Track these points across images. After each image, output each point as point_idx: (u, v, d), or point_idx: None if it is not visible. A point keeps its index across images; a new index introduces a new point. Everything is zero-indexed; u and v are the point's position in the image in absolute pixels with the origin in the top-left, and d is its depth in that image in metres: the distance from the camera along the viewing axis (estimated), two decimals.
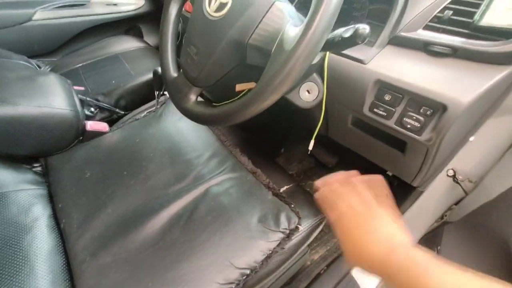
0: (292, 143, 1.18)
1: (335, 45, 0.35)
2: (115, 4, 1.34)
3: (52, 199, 0.61)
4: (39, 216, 0.57)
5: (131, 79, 1.09)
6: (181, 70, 0.53)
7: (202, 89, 0.49)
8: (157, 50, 1.26)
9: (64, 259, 0.52)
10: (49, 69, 1.19)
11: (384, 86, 0.47)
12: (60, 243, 0.54)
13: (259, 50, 0.39)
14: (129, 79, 1.08)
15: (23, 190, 0.61)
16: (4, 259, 0.46)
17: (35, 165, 0.69)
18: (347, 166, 0.42)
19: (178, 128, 0.73)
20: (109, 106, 0.96)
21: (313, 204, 0.60)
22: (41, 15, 1.19)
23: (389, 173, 0.65)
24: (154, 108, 0.98)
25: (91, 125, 0.75)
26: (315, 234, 0.59)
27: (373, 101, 0.49)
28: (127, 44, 1.34)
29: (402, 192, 0.67)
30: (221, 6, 0.40)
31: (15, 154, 0.65)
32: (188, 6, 0.84)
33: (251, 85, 0.55)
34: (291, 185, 0.66)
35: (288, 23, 0.37)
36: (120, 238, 0.52)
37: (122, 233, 0.53)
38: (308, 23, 0.31)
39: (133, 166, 0.64)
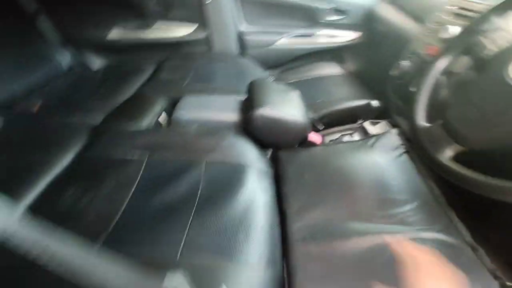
0: None
1: None
2: (335, 36, 1.59)
3: (277, 182, 0.82)
4: (265, 189, 0.79)
5: (333, 101, 1.25)
6: (439, 122, 0.55)
7: (466, 149, 0.50)
8: (356, 77, 1.42)
9: (279, 234, 0.68)
10: (272, 80, 1.59)
11: None
12: (278, 221, 0.71)
13: None
14: (331, 101, 1.25)
15: (259, 167, 0.84)
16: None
17: (266, 151, 0.95)
18: None
19: (389, 165, 0.77)
20: (315, 120, 1.15)
21: None
22: (281, 41, 1.59)
23: None
24: (351, 132, 1.08)
25: (311, 136, 0.94)
26: None
27: None
28: (333, 69, 1.54)
29: None
30: None
31: (261, 140, 0.92)
32: (432, 49, 0.86)
33: None
34: None
35: None
36: (327, 238, 0.62)
37: (329, 235, 0.63)
38: None
39: (341, 182, 0.75)
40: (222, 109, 1.01)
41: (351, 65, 1.69)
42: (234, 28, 1.55)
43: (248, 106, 0.93)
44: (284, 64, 1.70)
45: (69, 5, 1.50)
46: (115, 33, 1.56)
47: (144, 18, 1.54)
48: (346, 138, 1.05)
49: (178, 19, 1.55)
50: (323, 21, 1.56)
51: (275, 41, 1.60)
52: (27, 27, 1.39)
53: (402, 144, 0.84)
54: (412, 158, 0.80)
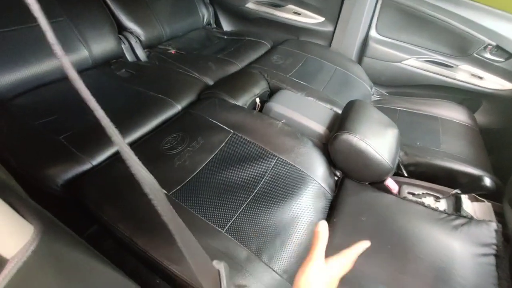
0: None
1: None
2: (480, 78, 1.30)
3: (331, 208, 0.82)
4: (318, 209, 0.80)
5: (437, 152, 1.07)
6: None
7: None
8: (485, 137, 1.16)
9: None
10: (376, 98, 1.46)
11: None
12: None
13: None
14: (434, 151, 1.08)
15: (322, 186, 0.85)
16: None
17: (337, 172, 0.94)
18: None
19: (465, 260, 0.67)
20: (402, 164, 1.04)
21: None
22: (409, 61, 1.41)
23: None
24: (438, 197, 0.94)
25: (389, 182, 0.87)
26: None
27: None
28: (458, 114, 1.29)
29: None
30: None
31: (336, 163, 0.92)
32: None
33: None
34: None
35: None
36: None
37: None
38: None
39: (399, 248, 0.69)
40: (313, 116, 1.02)
41: (485, 120, 1.38)
42: (361, 32, 1.45)
43: (339, 125, 0.91)
44: (400, 86, 1.52)
45: None
46: (251, 4, 1.67)
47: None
48: (428, 201, 0.93)
49: (311, 8, 1.54)
50: (475, 55, 1.28)
51: (403, 58, 1.42)
52: None
53: (495, 245, 0.70)
54: (499, 266, 0.67)
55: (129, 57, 1.31)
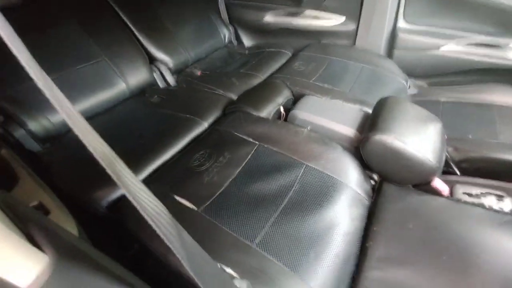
0: None
1: None
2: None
3: (370, 216, 0.75)
4: (355, 217, 0.74)
5: (494, 143, 0.93)
6: None
7: None
8: None
9: (351, 271, 0.65)
10: (413, 92, 1.34)
11: None
12: (355, 257, 0.67)
13: None
14: (490, 142, 0.93)
15: (357, 192, 0.79)
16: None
17: (374, 176, 0.87)
18: None
19: None
20: (453, 160, 0.92)
21: None
22: (449, 47, 1.27)
23: None
24: (501, 195, 0.81)
25: (436, 182, 0.78)
26: None
27: None
28: (510, 97, 1.12)
29: None
30: None
31: (372, 167, 0.85)
32: None
33: None
34: None
35: None
36: None
37: None
38: None
39: (455, 257, 0.60)
40: (341, 119, 0.97)
41: None
42: (387, 24, 1.36)
43: (370, 125, 0.85)
44: (441, 75, 1.37)
45: None
46: (269, 17, 1.71)
47: (298, 6, 1.59)
48: (489, 201, 0.79)
49: (329, 9, 1.51)
50: None
51: (440, 45, 1.29)
52: (209, 6, 1.74)
53: None
54: None
55: (160, 83, 1.42)
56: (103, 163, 0.24)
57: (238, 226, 0.68)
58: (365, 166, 0.86)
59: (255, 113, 1.04)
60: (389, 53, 1.44)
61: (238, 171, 0.84)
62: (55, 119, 1.04)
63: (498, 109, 1.09)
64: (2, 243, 0.25)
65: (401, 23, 1.35)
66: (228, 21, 1.86)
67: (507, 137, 0.96)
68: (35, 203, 0.55)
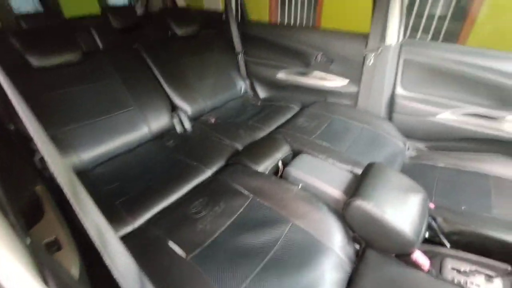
0: None
1: None
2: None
3: (350, 282, 0.78)
4: (334, 282, 0.77)
5: (488, 218, 0.93)
6: None
7: None
8: None
9: None
10: (412, 154, 1.38)
11: None
12: None
13: None
14: (484, 217, 0.94)
15: (339, 256, 0.82)
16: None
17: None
18: None
19: None
20: (441, 233, 0.93)
21: None
22: (445, 116, 1.34)
23: None
24: (491, 275, 0.80)
25: (417, 255, 0.80)
26: None
27: None
28: (508, 169, 1.13)
29: None
30: None
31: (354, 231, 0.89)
32: None
33: None
34: None
35: None
36: None
37: None
38: None
39: None
40: (331, 180, 1.04)
41: None
42: (386, 90, 1.48)
43: (354, 189, 0.91)
44: (440, 140, 1.42)
45: (259, 50, 1.99)
46: (281, 74, 1.91)
47: (308, 67, 1.78)
48: (478, 280, 0.78)
49: (334, 72, 1.67)
50: None
51: (437, 113, 1.36)
52: (229, 63, 1.99)
53: None
54: None
55: (178, 129, 1.60)
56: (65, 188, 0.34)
57: (221, 279, 0.74)
58: (351, 229, 0.91)
59: (253, 166, 1.15)
60: (390, 116, 1.53)
61: (230, 221, 0.92)
62: (84, 156, 1.22)
63: (495, 180, 1.10)
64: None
65: (399, 90, 1.45)
66: (245, 75, 2.09)
67: (501, 211, 0.96)
68: (52, 238, 0.66)
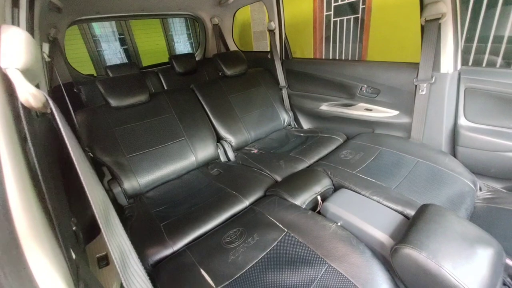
0: None
1: None
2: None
3: None
4: None
5: None
6: None
7: None
8: None
9: None
10: (486, 195, 1.15)
11: None
12: None
13: None
14: None
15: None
16: None
17: None
18: None
19: None
20: None
21: None
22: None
23: None
24: None
25: None
26: None
27: None
28: None
29: None
30: None
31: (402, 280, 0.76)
32: None
33: None
34: None
35: None
36: None
37: None
38: None
39: None
40: (375, 220, 0.93)
41: None
42: (445, 121, 1.31)
43: (404, 234, 0.80)
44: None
45: (302, 84, 2.05)
46: (325, 106, 1.90)
47: (352, 99, 1.74)
48: None
49: (382, 103, 1.58)
50: None
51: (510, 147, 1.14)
52: (274, 97, 2.09)
53: None
54: None
55: (222, 158, 1.69)
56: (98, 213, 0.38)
57: None
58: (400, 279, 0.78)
59: (290, 199, 1.12)
60: (452, 150, 1.34)
61: (262, 255, 0.89)
62: (141, 181, 1.39)
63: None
64: None
65: (463, 121, 1.28)
66: (289, 108, 2.15)
67: None
68: (103, 253, 0.75)
